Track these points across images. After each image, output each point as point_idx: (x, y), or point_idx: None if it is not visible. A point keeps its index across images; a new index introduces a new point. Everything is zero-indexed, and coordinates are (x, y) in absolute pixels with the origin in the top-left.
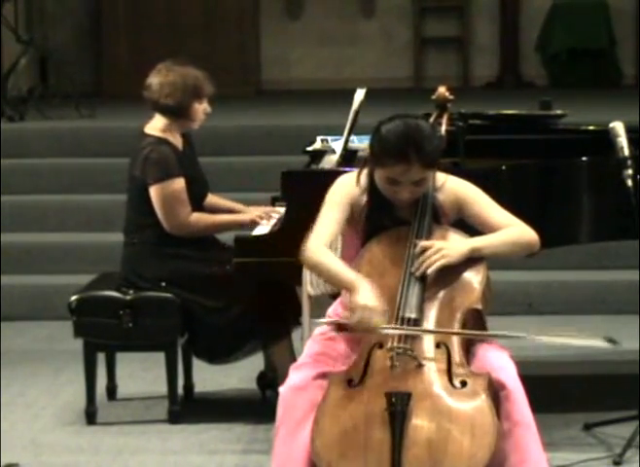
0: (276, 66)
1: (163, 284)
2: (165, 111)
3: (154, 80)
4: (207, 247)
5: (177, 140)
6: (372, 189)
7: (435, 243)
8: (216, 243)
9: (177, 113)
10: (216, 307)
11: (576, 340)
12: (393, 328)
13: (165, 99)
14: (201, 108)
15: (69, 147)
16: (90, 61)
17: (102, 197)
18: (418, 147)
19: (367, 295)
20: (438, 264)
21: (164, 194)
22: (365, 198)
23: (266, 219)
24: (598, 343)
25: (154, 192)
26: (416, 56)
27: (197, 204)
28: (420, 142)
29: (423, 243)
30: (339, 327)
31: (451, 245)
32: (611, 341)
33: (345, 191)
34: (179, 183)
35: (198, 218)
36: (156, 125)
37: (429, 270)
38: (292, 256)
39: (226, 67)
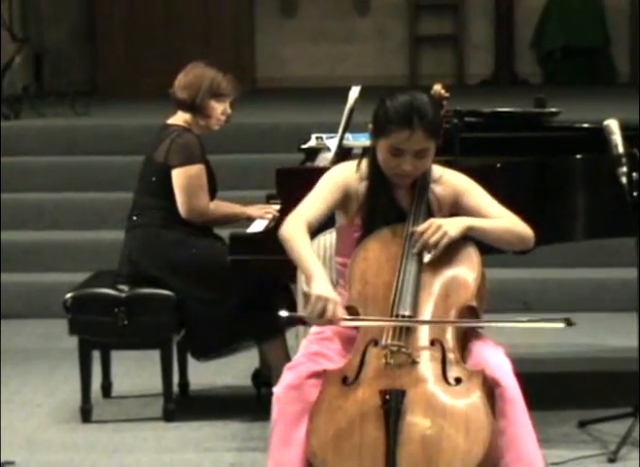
0: (271, 64)
1: (162, 267)
2: (180, 104)
3: (179, 77)
4: (210, 238)
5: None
6: (372, 173)
7: (433, 222)
8: (217, 236)
9: (191, 108)
10: (212, 299)
11: (535, 323)
12: (351, 319)
13: (181, 93)
14: (220, 108)
15: (64, 145)
16: (85, 60)
17: (97, 196)
18: (421, 114)
19: (321, 285)
20: (443, 242)
21: (188, 177)
22: (364, 186)
23: (270, 215)
24: (556, 325)
25: (177, 175)
26: (411, 54)
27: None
28: (424, 110)
29: (420, 227)
30: (302, 320)
31: (449, 221)
32: (569, 322)
33: (342, 174)
34: (202, 169)
35: (217, 205)
36: (178, 118)
37: (431, 254)
38: (284, 254)
39: (221, 65)
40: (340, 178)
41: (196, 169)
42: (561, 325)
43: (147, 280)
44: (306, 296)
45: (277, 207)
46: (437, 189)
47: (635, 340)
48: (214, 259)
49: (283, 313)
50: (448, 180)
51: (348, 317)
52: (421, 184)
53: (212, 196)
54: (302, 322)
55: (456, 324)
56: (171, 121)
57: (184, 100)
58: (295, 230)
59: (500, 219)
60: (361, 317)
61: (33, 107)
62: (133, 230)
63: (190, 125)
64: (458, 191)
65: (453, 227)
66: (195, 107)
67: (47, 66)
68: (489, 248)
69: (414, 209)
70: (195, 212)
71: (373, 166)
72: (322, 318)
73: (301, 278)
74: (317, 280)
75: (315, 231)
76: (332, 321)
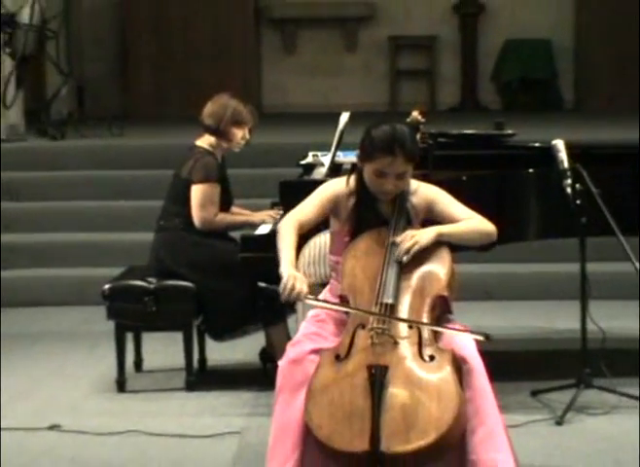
0: (275, 93)
1: (184, 265)
2: (207, 130)
3: (207, 105)
4: (224, 240)
5: (219, 158)
6: (359, 189)
7: (407, 233)
8: (230, 238)
9: (216, 133)
10: (224, 291)
11: (462, 333)
12: (314, 299)
13: (208, 120)
14: (240, 134)
15: (102, 161)
16: (119, 90)
17: (129, 203)
18: (402, 143)
19: (290, 267)
20: (415, 248)
21: (202, 192)
22: (353, 199)
23: (272, 219)
24: (477, 337)
25: (195, 189)
26: (392, 85)
27: (224, 211)
28: (404, 139)
29: (399, 238)
30: (276, 292)
31: (420, 232)
32: (487, 337)
33: (333, 188)
34: (215, 187)
35: (222, 217)
36: (204, 141)
37: (406, 257)
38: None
39: (232, 94)
40: (331, 192)
41: (211, 187)
42: (481, 338)
43: (171, 275)
44: (280, 277)
45: (280, 213)
46: (413, 199)
47: (577, 323)
48: (227, 257)
49: (261, 284)
50: (422, 192)
51: (311, 296)
52: (401, 197)
53: (227, 208)
54: (276, 294)
55: (404, 321)
56: (198, 142)
57: (210, 126)
58: (285, 226)
59: (467, 220)
60: (322, 299)
61: (76, 130)
62: (160, 232)
63: (213, 147)
64: (431, 200)
65: (424, 236)
66: (219, 132)
67: (87, 95)
68: (458, 246)
69: (395, 218)
70: (203, 223)
71: (360, 184)
72: (291, 293)
73: (301, 272)
74: (287, 264)
75: (309, 231)
76: (298, 296)
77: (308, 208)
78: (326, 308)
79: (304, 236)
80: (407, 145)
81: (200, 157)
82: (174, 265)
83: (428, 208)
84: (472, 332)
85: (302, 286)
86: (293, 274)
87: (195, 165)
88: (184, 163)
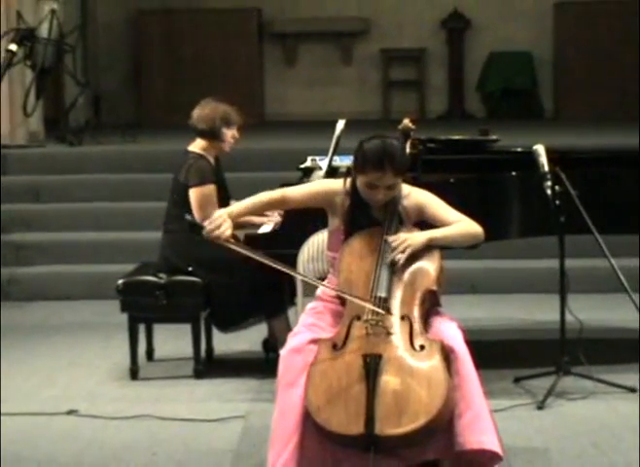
0: (276, 103)
1: (191, 264)
2: (201, 135)
3: (195, 111)
4: None
5: (212, 159)
6: (353, 193)
7: (400, 235)
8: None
9: (210, 136)
10: (230, 285)
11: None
12: (234, 244)
13: (201, 125)
14: (230, 133)
15: (117, 166)
16: (133, 99)
17: (142, 204)
18: (391, 158)
19: (226, 211)
20: (407, 252)
21: (200, 195)
22: (348, 200)
23: (273, 221)
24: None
25: (192, 193)
26: (384, 95)
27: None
28: (393, 155)
29: (392, 237)
30: (200, 228)
31: (413, 236)
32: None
33: (329, 184)
34: (212, 189)
35: None
36: (196, 145)
37: (401, 260)
38: (289, 249)
39: (237, 103)
40: (326, 186)
41: (208, 189)
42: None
43: (179, 272)
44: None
45: (281, 213)
46: (405, 203)
47: (556, 314)
48: (231, 254)
49: (187, 217)
50: (414, 196)
51: (232, 241)
52: (393, 202)
53: (226, 205)
54: (200, 229)
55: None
56: (191, 147)
57: (203, 130)
58: (267, 192)
59: (456, 224)
60: (242, 245)
61: (93, 136)
62: (166, 234)
63: (205, 150)
64: (422, 204)
65: (415, 240)
66: (212, 134)
67: (103, 105)
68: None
69: (388, 221)
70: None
71: (354, 191)
72: (214, 230)
73: (299, 268)
74: (227, 209)
75: (289, 209)
76: (219, 236)
77: (298, 190)
78: (244, 255)
79: (302, 232)
80: (396, 160)
81: (194, 161)
82: (181, 263)
83: (419, 211)
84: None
85: (225, 228)
86: (223, 216)
87: (190, 170)
88: (180, 169)
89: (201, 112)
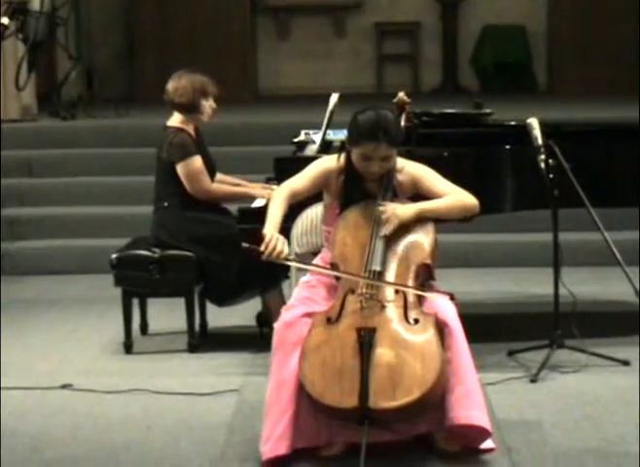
0: (270, 77)
1: (184, 241)
2: (180, 108)
3: (170, 84)
4: (219, 214)
5: (191, 131)
6: (347, 168)
7: (388, 206)
8: (226, 211)
9: (188, 109)
10: (224, 261)
11: (430, 293)
12: (293, 260)
13: (179, 99)
14: (208, 104)
15: (109, 139)
16: (125, 73)
17: (135, 178)
18: (385, 129)
19: (272, 228)
20: (395, 223)
21: (189, 168)
22: (342, 177)
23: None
24: (443, 296)
25: (180, 168)
26: (378, 69)
27: (210, 179)
28: (387, 126)
29: (381, 208)
30: (259, 253)
31: (400, 207)
32: (452, 297)
33: (325, 164)
34: (198, 160)
35: (219, 186)
36: (174, 120)
37: (388, 231)
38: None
39: (231, 77)
40: (323, 167)
41: (193, 160)
42: (447, 297)
43: (172, 249)
44: (263, 236)
45: (274, 187)
46: (399, 177)
47: (550, 288)
48: (225, 230)
49: (245, 245)
50: (409, 170)
51: (291, 257)
52: (387, 176)
53: (212, 175)
54: (258, 254)
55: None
56: (169, 123)
57: (181, 103)
58: (278, 194)
59: (449, 196)
60: (301, 261)
61: (85, 110)
62: (157, 212)
63: (184, 123)
64: (416, 177)
65: (403, 211)
66: (191, 107)
67: (95, 79)
68: (440, 219)
69: (382, 195)
70: (202, 193)
71: (348, 164)
72: (272, 252)
73: (294, 242)
74: (271, 225)
75: (300, 201)
76: (278, 256)
77: (301, 180)
78: (305, 269)
79: (296, 206)
80: (390, 131)
81: (173, 136)
82: (174, 242)
83: (414, 185)
84: (438, 291)
85: (282, 247)
86: (275, 235)
87: (172, 146)
88: (161, 145)
89: (177, 85)
